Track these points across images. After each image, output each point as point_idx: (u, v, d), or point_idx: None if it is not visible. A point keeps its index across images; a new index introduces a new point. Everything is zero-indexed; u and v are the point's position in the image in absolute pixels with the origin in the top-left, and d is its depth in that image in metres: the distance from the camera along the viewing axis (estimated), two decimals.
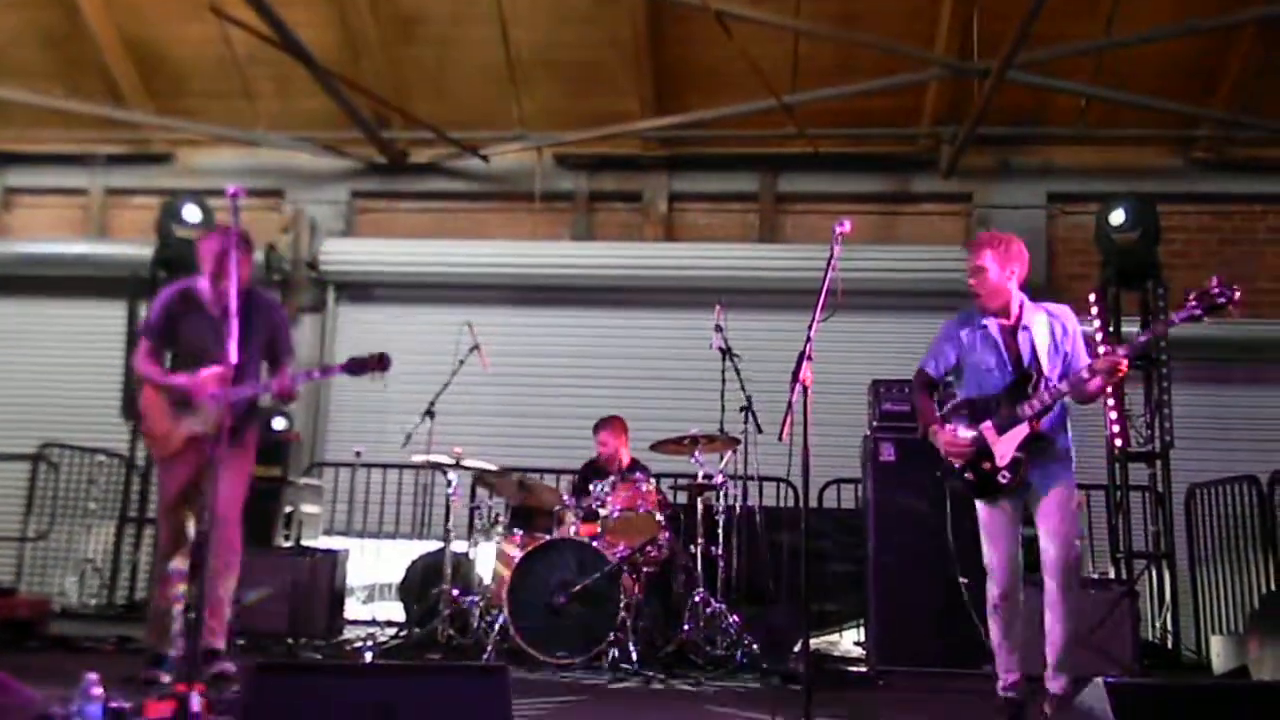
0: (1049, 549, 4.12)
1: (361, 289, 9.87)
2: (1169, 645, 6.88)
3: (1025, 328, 4.28)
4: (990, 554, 4.26)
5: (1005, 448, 4.16)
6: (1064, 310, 4.37)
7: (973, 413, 4.29)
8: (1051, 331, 4.26)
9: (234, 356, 3.86)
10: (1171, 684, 3.26)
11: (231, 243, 4.42)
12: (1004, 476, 4.15)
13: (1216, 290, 3.84)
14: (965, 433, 4.25)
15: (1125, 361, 4.04)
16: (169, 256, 8.26)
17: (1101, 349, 4.13)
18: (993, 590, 4.25)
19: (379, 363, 4.61)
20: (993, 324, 4.33)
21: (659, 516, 6.07)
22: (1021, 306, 4.32)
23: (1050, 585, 4.13)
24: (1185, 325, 4.07)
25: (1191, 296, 3.89)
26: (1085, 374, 4.06)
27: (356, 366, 4.61)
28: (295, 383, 4.69)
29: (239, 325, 4.56)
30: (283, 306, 5.13)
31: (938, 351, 4.49)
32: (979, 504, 4.30)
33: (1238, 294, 3.81)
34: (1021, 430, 4.14)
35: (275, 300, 5.10)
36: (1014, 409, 4.16)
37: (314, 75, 8.41)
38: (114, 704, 3.05)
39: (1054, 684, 4.08)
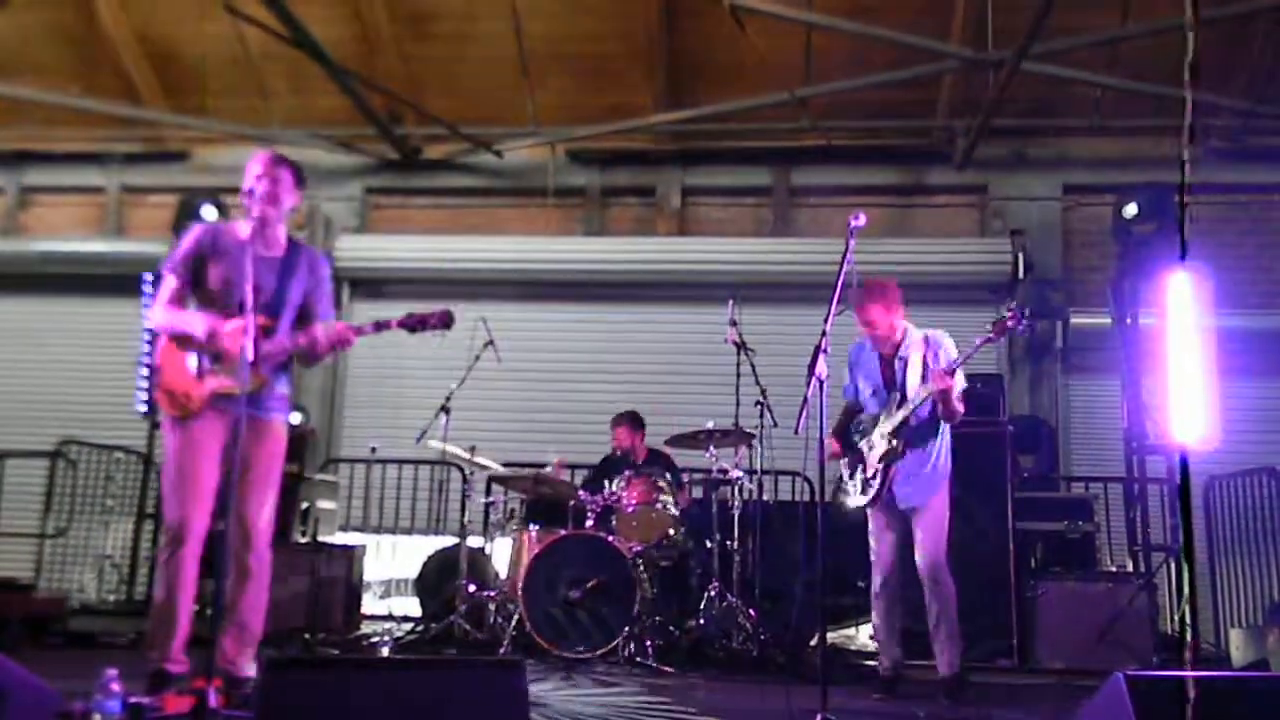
0: (919, 555, 4.71)
1: (376, 285, 9.89)
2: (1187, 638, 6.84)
3: (902, 358, 4.82)
4: (872, 549, 4.89)
5: (873, 460, 4.80)
6: (940, 338, 4.84)
7: (861, 431, 4.94)
8: (924, 360, 4.78)
9: (251, 298, 3.54)
10: (1191, 677, 3.23)
11: (279, 169, 4.10)
12: (870, 485, 4.77)
13: (1011, 318, 4.50)
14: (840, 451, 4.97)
15: (949, 382, 4.55)
16: None
17: (932, 372, 4.69)
18: (875, 580, 4.87)
19: (440, 320, 4.14)
20: (877, 352, 4.91)
21: (674, 511, 6.08)
22: (904, 334, 4.86)
23: (924, 584, 4.70)
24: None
25: (991, 325, 4.59)
26: (920, 393, 4.64)
27: (416, 322, 4.12)
28: (334, 340, 4.06)
29: (280, 273, 4.05)
30: (327, 263, 4.45)
31: (849, 379, 5.08)
32: (867, 510, 4.89)
33: (1025, 322, 4.52)
34: (880, 446, 4.76)
35: (321, 254, 4.47)
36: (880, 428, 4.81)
37: (328, 72, 8.43)
38: (133, 699, 3.07)
39: (942, 667, 4.70)
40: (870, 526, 4.90)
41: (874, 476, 4.76)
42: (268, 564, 4.01)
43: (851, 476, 4.92)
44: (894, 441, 4.71)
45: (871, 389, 4.93)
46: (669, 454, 6.83)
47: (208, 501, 3.93)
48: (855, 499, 4.89)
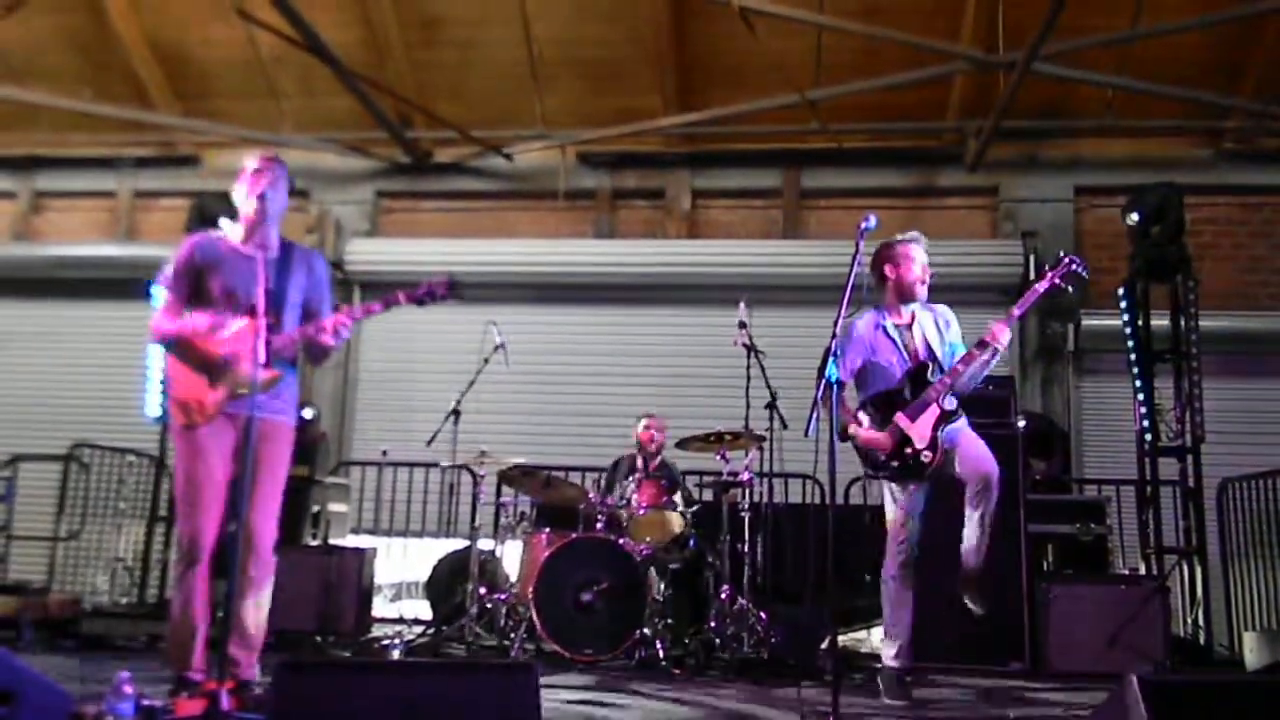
0: (972, 461, 4.54)
1: (386, 289, 9.74)
2: (1201, 641, 6.81)
3: (918, 324, 4.75)
4: (902, 527, 4.63)
5: (921, 430, 4.54)
6: (944, 308, 4.87)
7: (881, 408, 4.66)
8: (936, 325, 4.77)
9: (262, 303, 3.55)
10: (1205, 680, 3.22)
11: (275, 168, 4.02)
12: (926, 456, 4.52)
13: (1071, 261, 4.53)
14: (876, 431, 4.62)
15: (1004, 334, 4.51)
16: None
17: (991, 325, 4.60)
18: (897, 560, 4.64)
19: (446, 288, 4.10)
20: (890, 324, 4.75)
21: (685, 513, 6.08)
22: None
23: (973, 487, 4.53)
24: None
25: (1048, 269, 4.59)
26: (976, 350, 4.53)
27: (423, 294, 4.10)
28: (344, 323, 4.03)
29: (276, 272, 3.99)
30: (324, 261, 4.43)
31: (845, 356, 4.72)
32: (894, 486, 4.66)
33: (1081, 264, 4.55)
34: (933, 412, 4.54)
35: (317, 253, 4.44)
36: (918, 395, 4.58)
37: (338, 76, 8.46)
38: (146, 702, 3.08)
39: (971, 559, 4.57)
40: (895, 498, 4.65)
41: (929, 446, 4.51)
42: (270, 569, 4.00)
43: (894, 457, 4.57)
44: (948, 406, 4.52)
45: (894, 360, 4.69)
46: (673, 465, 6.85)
47: (219, 514, 3.92)
48: (910, 476, 4.58)
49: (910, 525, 4.63)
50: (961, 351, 4.68)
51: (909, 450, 4.55)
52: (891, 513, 4.69)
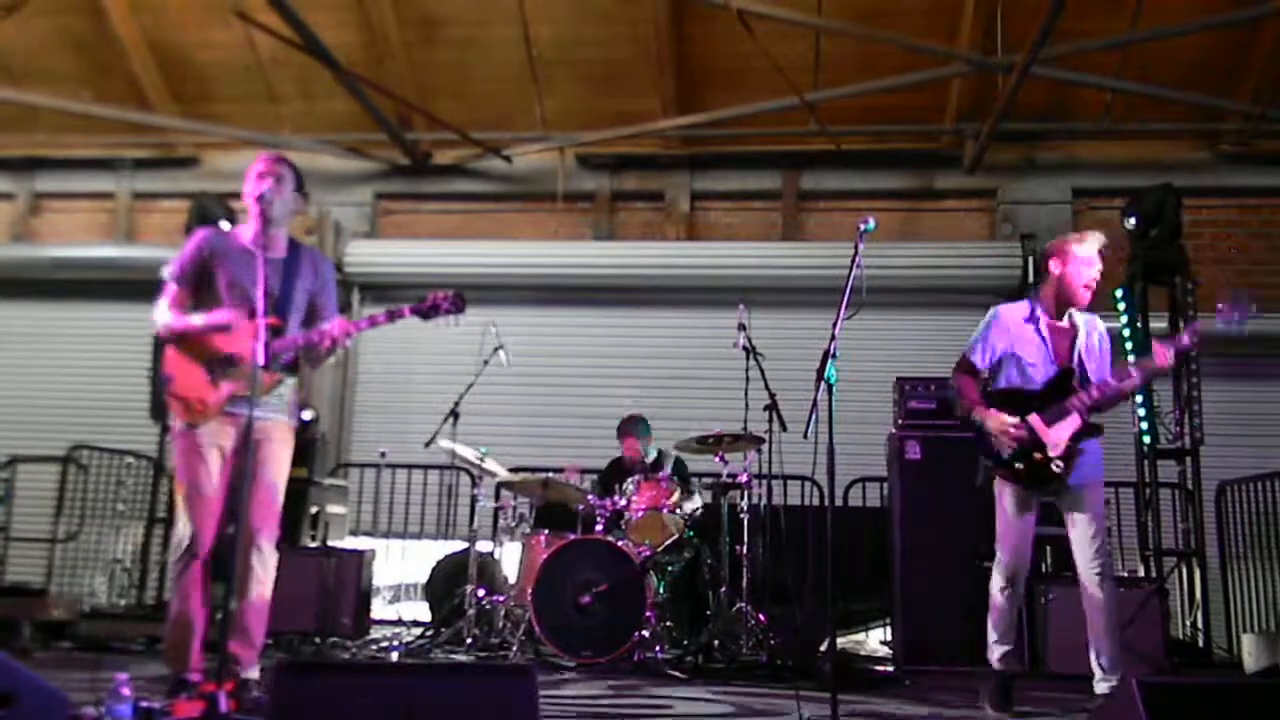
0: (1089, 545, 4.31)
1: (386, 290, 9.89)
2: (1199, 644, 6.82)
3: (1074, 328, 4.48)
4: (1007, 542, 4.42)
5: (1058, 437, 4.30)
6: (1095, 318, 4.57)
7: (1013, 404, 4.39)
8: (1088, 335, 4.49)
9: (262, 304, 3.55)
10: (1204, 682, 3.23)
11: (277, 169, 4.06)
12: (1057, 466, 4.28)
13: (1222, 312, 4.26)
14: (1009, 420, 4.32)
15: (1171, 361, 4.25)
16: None
17: (1154, 345, 4.31)
18: (1004, 574, 4.42)
19: (452, 303, 4.05)
20: (1044, 321, 4.49)
21: (684, 515, 6.07)
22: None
23: (1091, 582, 4.30)
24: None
25: (1223, 307, 4.29)
26: (1135, 370, 4.33)
27: (428, 307, 4.04)
28: (347, 332, 4.00)
29: (283, 273, 4.03)
30: (330, 263, 4.43)
31: (986, 342, 4.56)
32: (1008, 493, 4.41)
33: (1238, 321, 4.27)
34: (1074, 422, 4.30)
35: (323, 255, 4.44)
36: (1060, 402, 4.31)
37: (337, 78, 8.46)
38: (144, 703, 3.08)
39: (1101, 686, 4.22)
40: (1010, 512, 4.40)
41: (1063, 456, 4.25)
42: (271, 567, 4.00)
43: (1020, 459, 4.32)
44: (1087, 419, 4.29)
45: (1038, 359, 4.42)
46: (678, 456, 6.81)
47: (218, 511, 3.93)
48: (1034, 483, 4.35)
49: (1014, 536, 4.40)
50: (1108, 370, 4.45)
51: (1038, 456, 4.31)
52: (1003, 521, 4.44)
